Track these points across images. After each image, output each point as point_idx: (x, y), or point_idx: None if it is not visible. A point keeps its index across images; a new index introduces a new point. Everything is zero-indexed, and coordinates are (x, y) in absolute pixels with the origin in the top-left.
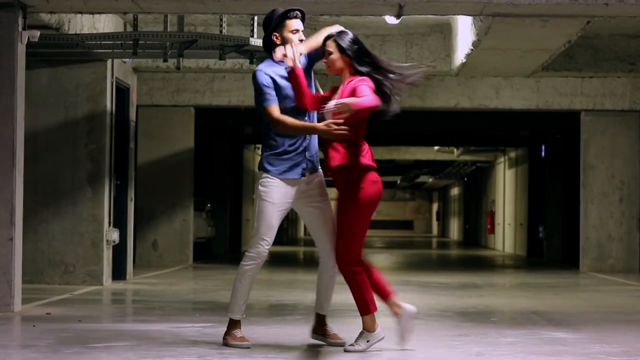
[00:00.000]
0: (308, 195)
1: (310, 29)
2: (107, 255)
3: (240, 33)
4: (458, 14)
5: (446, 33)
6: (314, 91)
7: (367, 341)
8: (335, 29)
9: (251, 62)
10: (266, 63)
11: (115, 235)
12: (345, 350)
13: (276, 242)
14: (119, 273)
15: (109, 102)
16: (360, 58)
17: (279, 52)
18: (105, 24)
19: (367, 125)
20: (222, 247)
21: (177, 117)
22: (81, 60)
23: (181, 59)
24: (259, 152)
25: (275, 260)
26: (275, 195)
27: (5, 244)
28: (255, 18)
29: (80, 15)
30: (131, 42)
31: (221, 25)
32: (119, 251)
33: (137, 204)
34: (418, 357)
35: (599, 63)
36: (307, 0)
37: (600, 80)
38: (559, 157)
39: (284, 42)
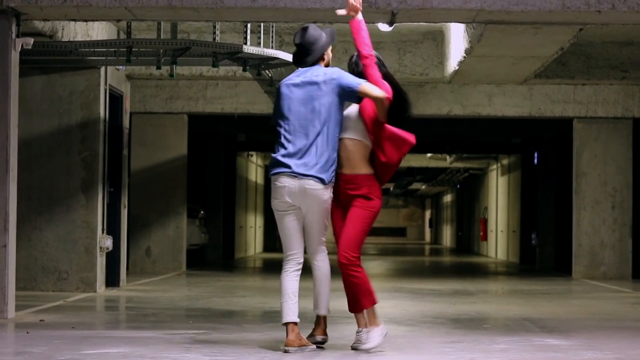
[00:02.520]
0: None
1: None
2: (101, 262)
3: (233, 40)
4: (451, 22)
5: (439, 40)
6: None
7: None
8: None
9: (244, 70)
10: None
11: (108, 242)
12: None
13: (269, 249)
14: (112, 280)
15: (102, 110)
16: None
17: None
18: (99, 31)
19: None
20: (215, 254)
21: (170, 124)
22: (75, 67)
23: (174, 66)
24: (252, 159)
25: (269, 267)
26: None
27: None
28: (249, 26)
29: (73, 22)
30: (125, 49)
31: (214, 33)
32: (112, 258)
33: (131, 211)
34: None
35: (591, 70)
36: (301, 7)
37: (593, 88)
38: (552, 164)
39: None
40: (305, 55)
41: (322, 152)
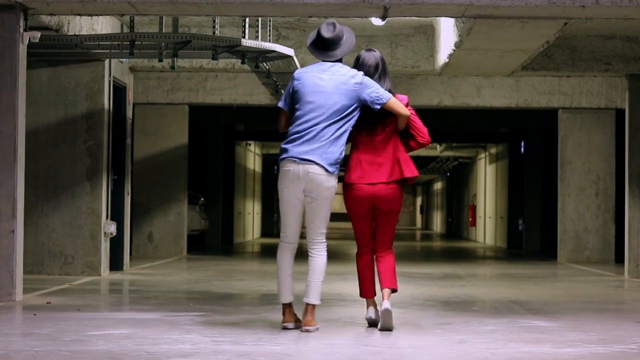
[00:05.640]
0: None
1: (299, 30)
2: (105, 247)
3: (232, 34)
4: (441, 16)
5: (430, 34)
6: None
7: None
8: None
9: (243, 62)
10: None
11: (112, 228)
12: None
13: (267, 234)
14: (116, 264)
15: (106, 101)
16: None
17: None
18: (103, 25)
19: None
20: (214, 239)
21: (171, 114)
22: (80, 60)
23: (176, 58)
24: (250, 148)
25: (266, 252)
26: None
27: (7, 236)
28: (247, 20)
29: (79, 17)
30: (128, 42)
31: (214, 27)
32: (116, 243)
33: (134, 197)
34: (402, 345)
35: (575, 63)
36: (297, 2)
37: (577, 79)
38: (538, 153)
39: None
40: (335, 49)
41: (331, 144)
